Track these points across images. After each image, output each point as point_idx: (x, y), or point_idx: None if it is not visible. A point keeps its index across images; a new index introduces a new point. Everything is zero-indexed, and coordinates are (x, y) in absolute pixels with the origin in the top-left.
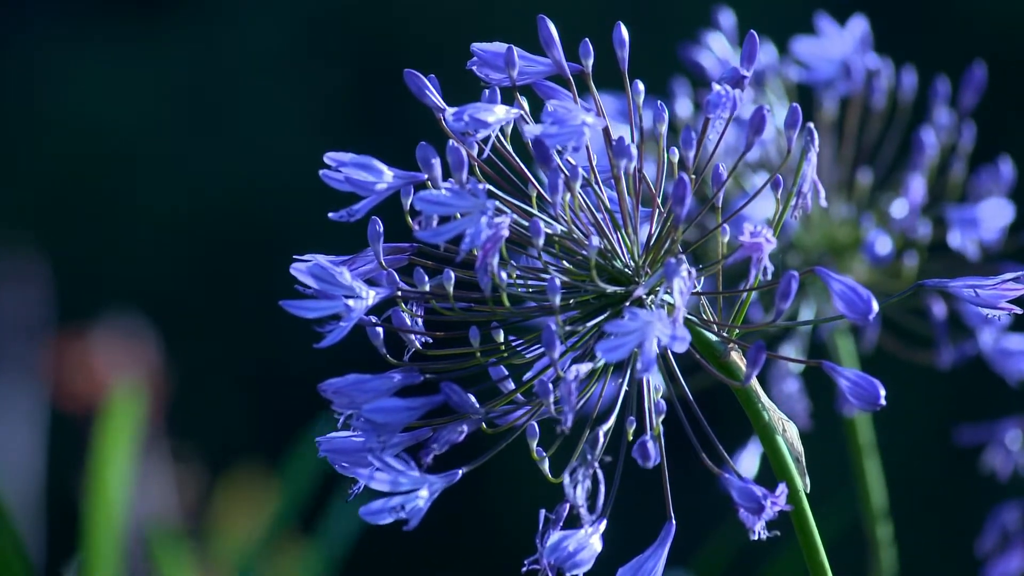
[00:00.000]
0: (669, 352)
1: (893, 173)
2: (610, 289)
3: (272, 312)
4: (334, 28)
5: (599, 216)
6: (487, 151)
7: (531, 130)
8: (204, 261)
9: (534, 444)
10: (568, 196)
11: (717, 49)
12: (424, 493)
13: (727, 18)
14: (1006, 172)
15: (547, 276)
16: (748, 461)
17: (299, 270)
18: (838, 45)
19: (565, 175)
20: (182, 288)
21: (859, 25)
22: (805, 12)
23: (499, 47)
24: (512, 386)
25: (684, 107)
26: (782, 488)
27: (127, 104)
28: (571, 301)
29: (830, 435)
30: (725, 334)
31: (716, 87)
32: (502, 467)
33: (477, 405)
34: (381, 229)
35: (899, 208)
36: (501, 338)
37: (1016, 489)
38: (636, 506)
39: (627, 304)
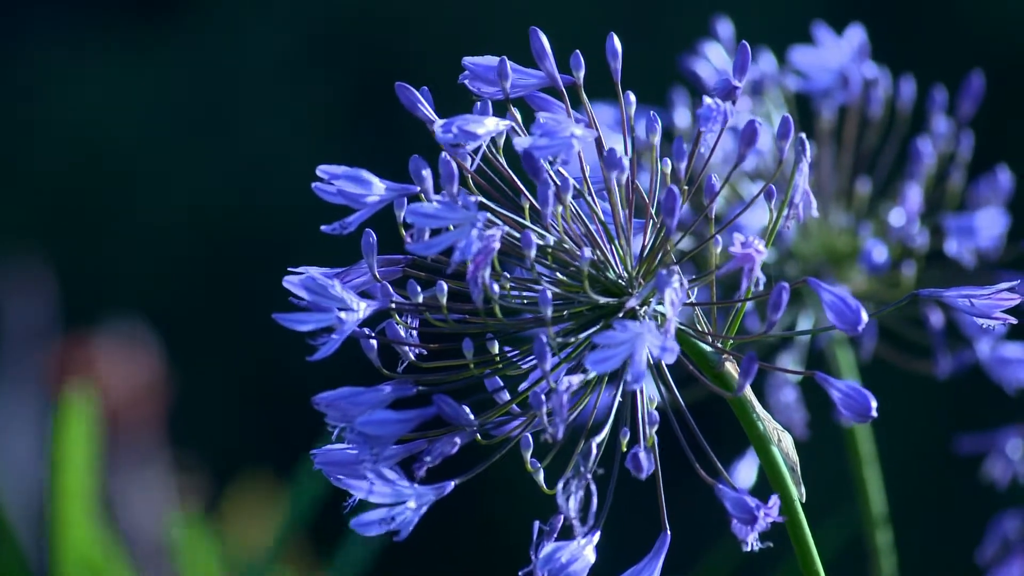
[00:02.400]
0: (664, 362)
1: (891, 182)
2: (603, 300)
3: (274, 320)
4: (334, 37)
5: (592, 227)
6: (477, 161)
7: (521, 142)
8: (205, 269)
9: (528, 455)
10: (560, 208)
11: (714, 59)
12: (413, 504)
13: (725, 28)
14: (1004, 181)
15: (540, 287)
16: (745, 472)
17: (291, 282)
18: (835, 54)
19: (556, 186)
20: (184, 295)
21: (856, 34)
22: (803, 21)
23: (491, 60)
24: (506, 397)
25: (683, 117)
26: (775, 499)
27: (128, 112)
28: (564, 312)
29: (831, 444)
30: (719, 344)
31: (707, 100)
32: (499, 477)
33: (471, 417)
34: (375, 241)
35: (897, 217)
36: (495, 350)
37: (1017, 498)
38: (631, 517)
39: (620, 315)
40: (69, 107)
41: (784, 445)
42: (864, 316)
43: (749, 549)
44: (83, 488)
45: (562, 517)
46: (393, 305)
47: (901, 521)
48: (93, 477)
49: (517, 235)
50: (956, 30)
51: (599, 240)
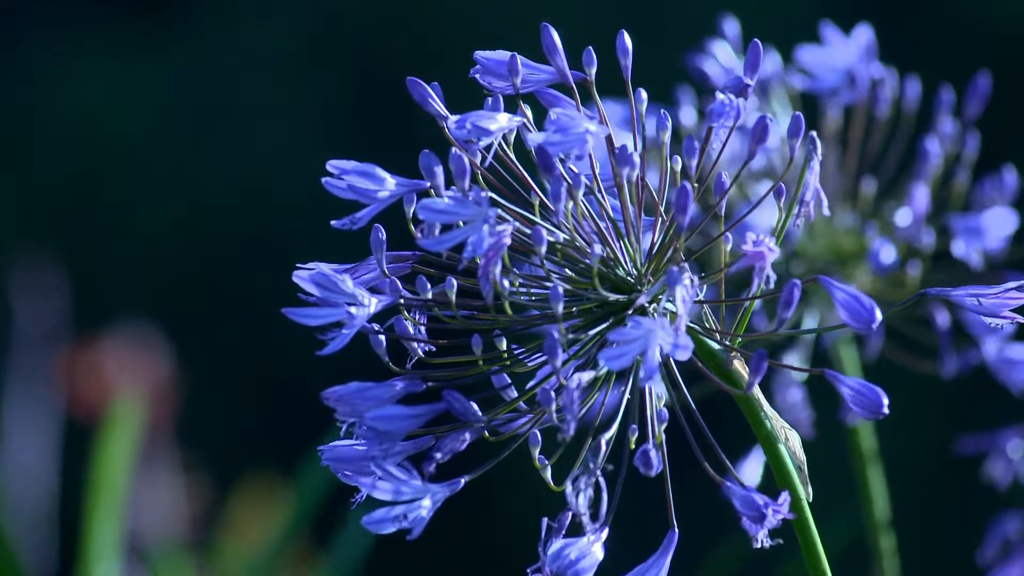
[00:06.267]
0: (672, 360)
1: (897, 182)
2: (612, 297)
3: (280, 318)
4: (334, 37)
5: (602, 224)
6: (490, 159)
7: (534, 138)
8: (206, 268)
9: (536, 452)
10: (571, 204)
11: (722, 57)
12: (427, 502)
13: (732, 27)
14: (1010, 181)
15: (550, 284)
16: (751, 469)
17: (301, 278)
18: (843, 54)
19: (568, 183)
20: (188, 295)
21: (864, 34)
22: (810, 21)
23: (502, 55)
24: (515, 394)
25: (688, 115)
26: (784, 496)
27: (131, 112)
28: (574, 309)
29: (834, 444)
30: (728, 343)
31: (720, 96)
32: (506, 474)
33: (480, 413)
34: (384, 237)
35: (903, 217)
36: (504, 346)
37: (1018, 498)
38: (639, 514)
39: (630, 312)
40: (71, 109)
41: (791, 444)
42: (878, 315)
43: (759, 546)
44: (118, 495)
45: (570, 514)
46: (402, 301)
47: (903, 521)
48: (127, 486)
49: (527, 231)
50: (963, 30)
51: (609, 237)
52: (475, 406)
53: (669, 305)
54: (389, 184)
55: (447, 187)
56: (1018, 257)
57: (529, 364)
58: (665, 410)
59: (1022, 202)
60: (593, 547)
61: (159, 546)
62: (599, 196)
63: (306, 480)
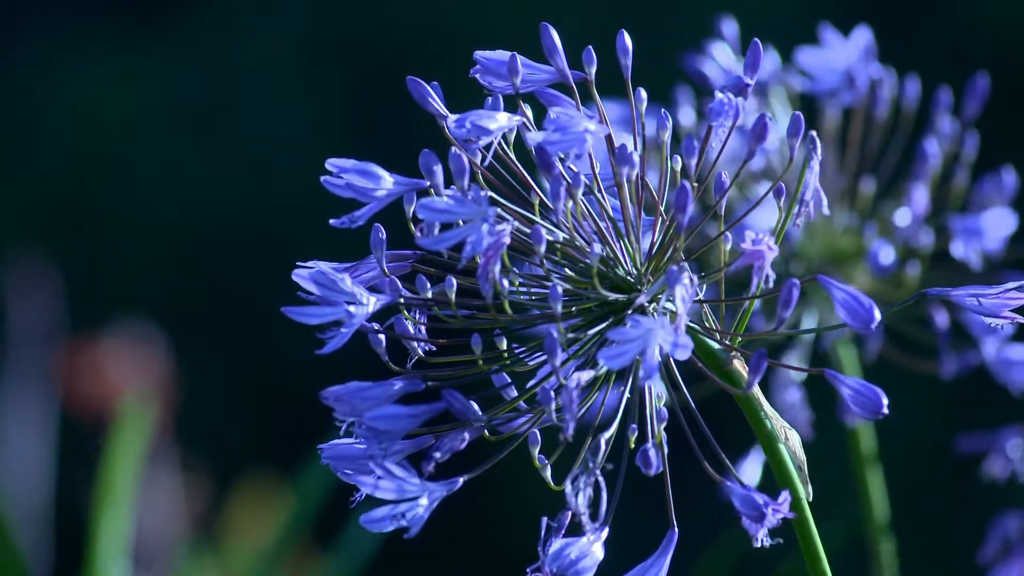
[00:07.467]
0: (671, 360)
1: (896, 182)
2: (612, 297)
3: (280, 318)
4: (334, 37)
5: (601, 224)
6: (489, 158)
7: (534, 137)
8: (209, 268)
9: (536, 451)
10: (570, 203)
11: (721, 58)
12: (424, 501)
13: (730, 28)
14: (1009, 181)
15: (549, 283)
16: (751, 469)
17: (301, 276)
18: (842, 55)
19: (567, 182)
20: (188, 295)
21: (863, 35)
22: (809, 22)
23: (502, 55)
24: (514, 393)
25: (687, 116)
26: (785, 496)
27: (130, 112)
28: (573, 309)
29: (833, 444)
30: (727, 342)
31: (719, 95)
32: (505, 474)
33: (479, 412)
34: (384, 236)
35: (902, 217)
36: (504, 345)
37: (1018, 497)
38: (639, 514)
39: (629, 312)
40: (70, 109)
41: (791, 443)
42: (877, 314)
43: (759, 545)
44: (126, 496)
45: (570, 513)
46: (402, 300)
47: (902, 520)
48: (135, 487)
49: (527, 230)
50: (961, 30)
51: (608, 236)
52: (475, 405)
53: (669, 304)
54: (387, 183)
55: (447, 186)
56: (1017, 257)
57: (529, 363)
58: (665, 409)
59: (1021, 202)
60: (593, 547)
61: (182, 546)
62: (599, 195)
63: (306, 480)
